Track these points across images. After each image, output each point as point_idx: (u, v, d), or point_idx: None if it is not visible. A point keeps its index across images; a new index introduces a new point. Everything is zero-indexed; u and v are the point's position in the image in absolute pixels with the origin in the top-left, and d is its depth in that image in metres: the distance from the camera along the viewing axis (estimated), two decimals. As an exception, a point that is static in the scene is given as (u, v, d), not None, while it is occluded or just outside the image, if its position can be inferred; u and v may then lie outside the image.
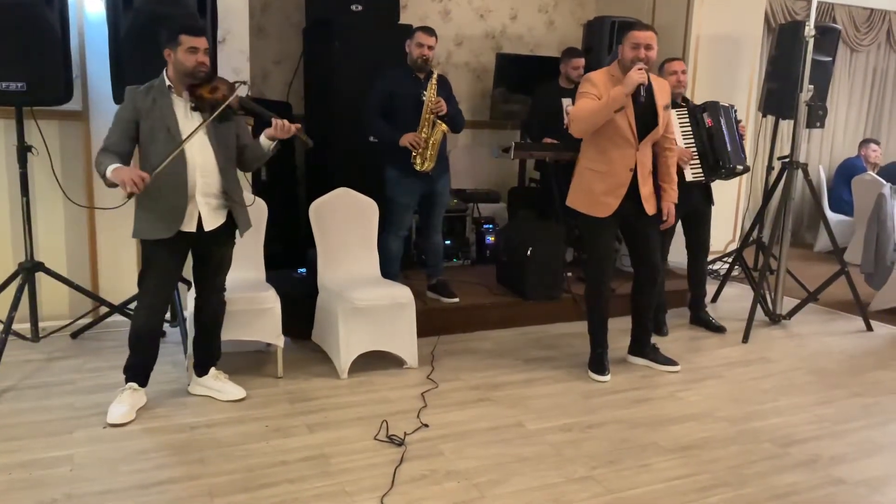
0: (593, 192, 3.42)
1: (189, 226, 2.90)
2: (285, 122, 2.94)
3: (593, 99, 3.30)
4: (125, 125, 2.86)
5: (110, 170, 2.71)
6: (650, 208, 3.48)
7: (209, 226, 2.93)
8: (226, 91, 2.86)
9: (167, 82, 2.89)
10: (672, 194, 3.61)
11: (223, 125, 2.92)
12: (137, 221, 2.92)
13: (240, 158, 3.06)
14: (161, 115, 2.85)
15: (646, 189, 3.44)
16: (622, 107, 3.25)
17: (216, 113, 2.81)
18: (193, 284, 3.17)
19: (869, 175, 6.39)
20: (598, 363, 3.62)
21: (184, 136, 2.82)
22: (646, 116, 3.38)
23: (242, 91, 2.90)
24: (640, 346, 3.81)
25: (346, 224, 3.79)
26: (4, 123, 3.75)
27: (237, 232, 3.07)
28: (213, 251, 3.05)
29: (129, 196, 2.68)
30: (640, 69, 3.22)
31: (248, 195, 3.11)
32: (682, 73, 4.14)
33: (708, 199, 4.34)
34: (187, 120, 2.88)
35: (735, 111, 4.44)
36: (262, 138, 3.00)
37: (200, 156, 2.88)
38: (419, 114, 3.99)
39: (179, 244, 2.93)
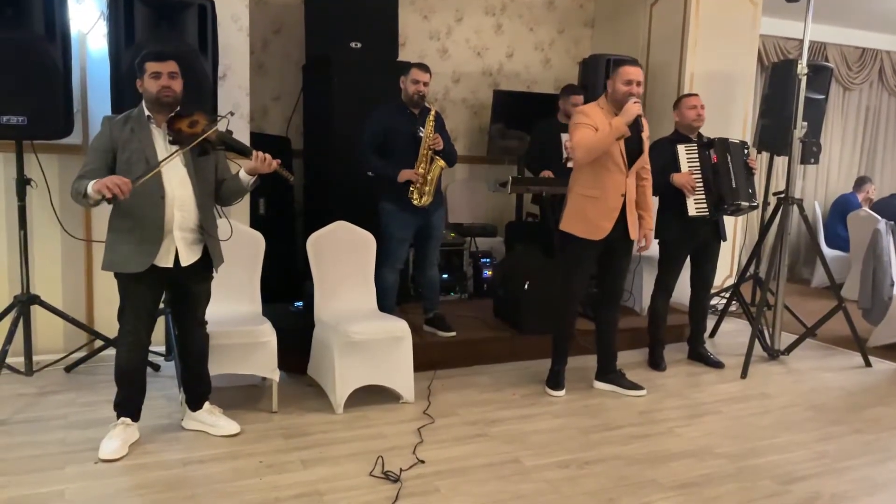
0: (588, 217, 3.62)
1: (165, 261, 2.85)
2: (267, 156, 2.88)
3: (590, 128, 3.49)
4: (102, 155, 2.80)
5: (90, 185, 2.65)
6: (634, 233, 3.69)
7: (186, 261, 2.88)
8: (206, 125, 2.82)
9: (146, 112, 2.86)
10: (650, 221, 3.84)
11: (203, 159, 2.88)
12: (109, 254, 2.84)
13: (218, 193, 3.02)
14: (140, 146, 2.81)
15: (632, 215, 3.67)
16: (623, 135, 3.47)
17: (194, 142, 2.76)
18: (173, 321, 3.11)
19: (864, 211, 6.43)
20: (556, 380, 3.83)
21: (163, 170, 2.78)
22: (633, 145, 3.61)
23: (223, 125, 2.85)
24: (606, 372, 3.94)
25: (343, 257, 3.79)
26: (4, 157, 3.78)
27: (214, 267, 3.02)
28: (190, 287, 3.00)
29: (110, 201, 2.61)
30: (636, 102, 3.48)
31: (224, 228, 3.03)
32: (702, 107, 4.24)
33: (717, 235, 4.35)
34: (167, 153, 2.83)
35: (747, 148, 4.46)
36: (242, 172, 2.94)
37: (179, 190, 2.84)
38: (414, 149, 4.03)
39: (155, 279, 2.87)
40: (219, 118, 2.88)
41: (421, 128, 4.06)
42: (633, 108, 3.45)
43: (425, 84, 4.06)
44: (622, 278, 3.90)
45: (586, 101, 5.24)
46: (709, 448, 3.22)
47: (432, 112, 4.05)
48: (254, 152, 2.90)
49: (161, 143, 2.86)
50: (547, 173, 4.79)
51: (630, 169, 3.61)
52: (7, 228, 3.84)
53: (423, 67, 4.08)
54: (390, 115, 4.09)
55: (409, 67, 4.10)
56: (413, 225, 4.16)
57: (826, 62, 6.73)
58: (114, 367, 2.96)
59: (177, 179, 2.84)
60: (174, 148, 2.83)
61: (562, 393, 3.81)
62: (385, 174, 4.05)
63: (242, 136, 4.20)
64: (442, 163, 4.05)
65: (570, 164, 4.91)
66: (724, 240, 4.40)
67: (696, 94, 4.33)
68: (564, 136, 4.97)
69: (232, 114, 2.94)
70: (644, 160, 3.70)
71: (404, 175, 3.97)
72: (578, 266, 3.73)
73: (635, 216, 3.70)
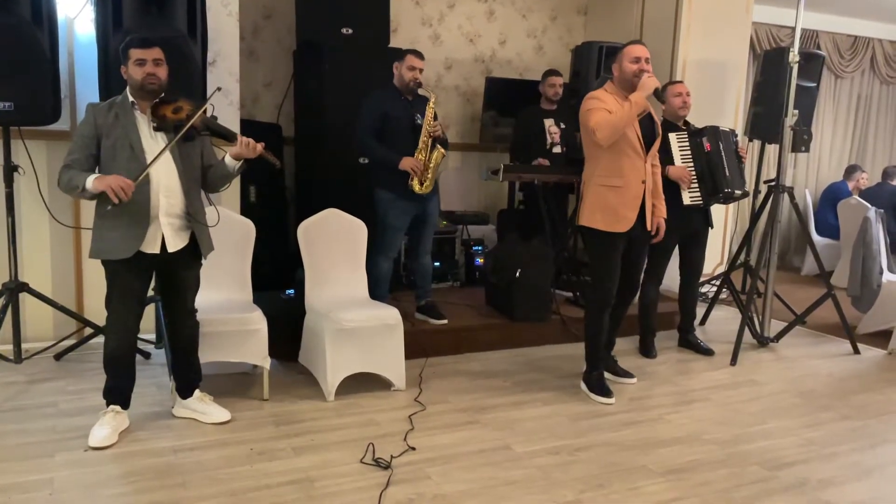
0: (613, 208, 3.44)
1: (152, 247, 2.85)
2: (251, 140, 2.89)
3: (604, 112, 3.34)
4: (86, 141, 2.80)
5: (90, 180, 2.67)
6: (650, 223, 3.57)
7: (172, 247, 2.88)
8: (190, 111, 2.80)
9: (130, 98, 2.85)
10: (662, 209, 3.67)
11: (188, 145, 2.87)
12: (96, 241, 2.84)
13: (204, 179, 3.01)
14: (124, 132, 2.80)
15: (649, 202, 3.53)
16: (645, 109, 3.35)
17: (180, 134, 2.76)
18: (163, 309, 3.12)
19: (854, 199, 6.46)
20: (602, 385, 3.63)
21: (147, 155, 2.79)
22: (647, 128, 3.49)
23: (209, 111, 2.85)
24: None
25: (334, 245, 3.78)
26: (-9, 143, 3.74)
27: (202, 254, 3.01)
28: (178, 274, 2.99)
29: (116, 205, 2.64)
30: (650, 76, 3.34)
31: (212, 215, 3.03)
32: (687, 94, 4.22)
33: (706, 222, 4.37)
34: (152, 139, 2.83)
35: (736, 136, 4.48)
36: (227, 158, 2.94)
37: (165, 176, 2.83)
38: (411, 136, 4.01)
39: (142, 265, 2.87)
40: (203, 104, 2.85)
41: (419, 115, 4.05)
42: (649, 82, 3.30)
43: (421, 71, 4.04)
44: (638, 273, 3.76)
45: (576, 89, 5.25)
46: (698, 434, 3.25)
47: (432, 99, 4.03)
48: (238, 137, 2.89)
49: (145, 130, 2.84)
50: (542, 161, 4.78)
51: (648, 153, 3.46)
52: (-5, 215, 3.81)
53: (419, 54, 4.07)
54: (387, 101, 4.07)
55: (404, 54, 4.08)
56: (411, 213, 4.14)
57: (818, 50, 6.73)
58: (103, 355, 2.95)
59: (162, 165, 2.81)
60: (159, 135, 2.82)
61: (612, 400, 3.57)
62: (388, 161, 4.02)
63: (232, 122, 4.17)
64: (442, 150, 4.05)
65: (555, 150, 4.93)
66: (712, 227, 4.41)
67: (681, 82, 4.32)
68: (548, 122, 4.97)
69: (219, 89, 2.92)
70: (658, 145, 3.59)
71: (406, 163, 3.95)
72: (608, 263, 3.50)
73: (651, 204, 3.55)
